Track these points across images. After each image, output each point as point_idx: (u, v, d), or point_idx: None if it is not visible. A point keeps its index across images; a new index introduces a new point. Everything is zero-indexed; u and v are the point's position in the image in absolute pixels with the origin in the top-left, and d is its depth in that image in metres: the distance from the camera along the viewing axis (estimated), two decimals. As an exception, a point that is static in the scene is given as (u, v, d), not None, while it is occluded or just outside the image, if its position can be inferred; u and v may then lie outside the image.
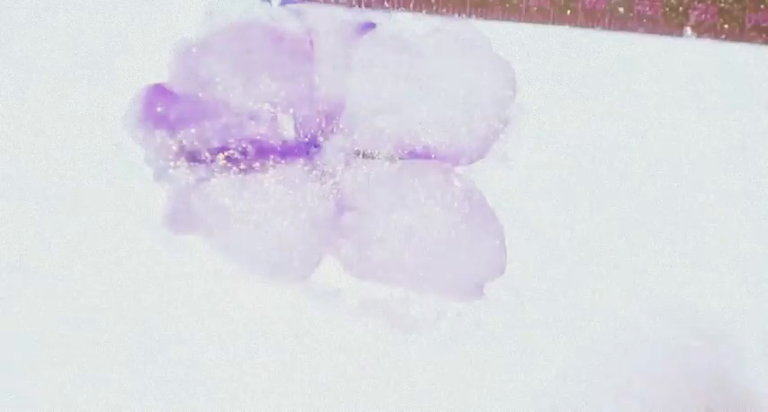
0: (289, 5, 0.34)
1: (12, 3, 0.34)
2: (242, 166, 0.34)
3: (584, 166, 0.35)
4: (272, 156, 0.34)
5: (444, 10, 0.35)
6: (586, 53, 0.36)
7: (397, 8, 0.35)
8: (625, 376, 0.33)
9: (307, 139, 0.34)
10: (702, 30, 0.36)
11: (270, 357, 0.32)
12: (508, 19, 0.35)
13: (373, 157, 0.34)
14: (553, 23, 0.36)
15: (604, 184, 0.35)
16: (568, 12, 0.36)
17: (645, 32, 0.36)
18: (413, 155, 0.35)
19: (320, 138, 0.34)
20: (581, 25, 0.36)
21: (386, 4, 0.35)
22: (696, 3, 0.35)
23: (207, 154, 0.33)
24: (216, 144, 0.34)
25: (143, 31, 0.34)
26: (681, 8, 0.35)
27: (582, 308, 0.34)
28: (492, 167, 0.35)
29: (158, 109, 0.34)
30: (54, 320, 0.31)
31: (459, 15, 0.35)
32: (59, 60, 0.34)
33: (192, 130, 0.34)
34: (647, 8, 0.36)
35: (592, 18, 0.36)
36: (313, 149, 0.34)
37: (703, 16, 0.35)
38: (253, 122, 0.34)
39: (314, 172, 0.34)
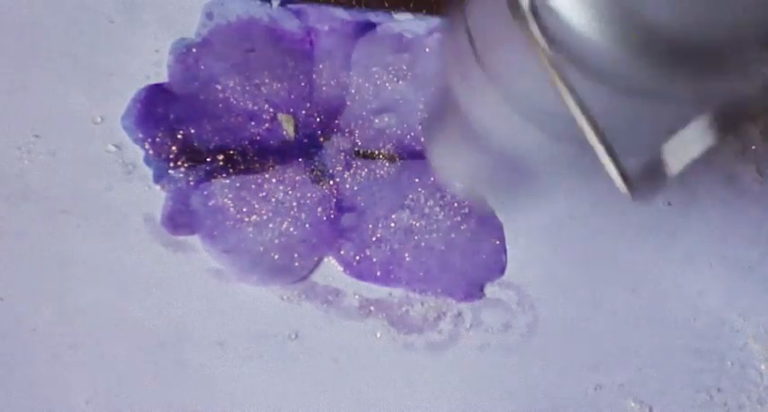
0: (289, 5, 0.34)
1: (12, 3, 0.34)
2: (242, 167, 0.34)
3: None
4: (271, 157, 0.34)
5: (444, 10, 0.35)
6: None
7: (397, 8, 0.35)
8: (625, 375, 0.33)
9: (307, 139, 0.34)
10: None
11: (270, 357, 0.32)
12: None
13: (373, 157, 0.34)
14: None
15: (604, 184, 0.35)
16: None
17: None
18: (413, 155, 0.34)
19: (320, 139, 0.34)
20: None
21: (385, 5, 0.35)
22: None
23: (207, 154, 0.33)
24: (216, 144, 0.34)
25: (143, 31, 0.34)
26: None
27: (582, 308, 0.34)
28: (492, 167, 0.35)
29: (158, 109, 0.34)
30: (54, 320, 0.31)
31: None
32: (59, 60, 0.34)
33: (192, 131, 0.34)
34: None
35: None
36: (313, 149, 0.34)
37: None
38: (253, 122, 0.34)
39: (314, 172, 0.34)
